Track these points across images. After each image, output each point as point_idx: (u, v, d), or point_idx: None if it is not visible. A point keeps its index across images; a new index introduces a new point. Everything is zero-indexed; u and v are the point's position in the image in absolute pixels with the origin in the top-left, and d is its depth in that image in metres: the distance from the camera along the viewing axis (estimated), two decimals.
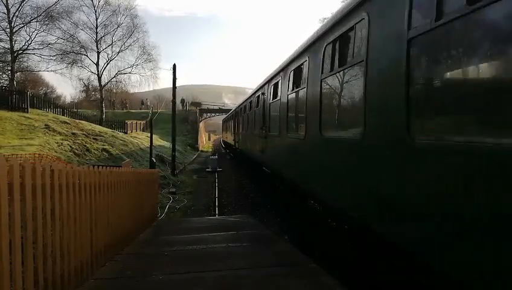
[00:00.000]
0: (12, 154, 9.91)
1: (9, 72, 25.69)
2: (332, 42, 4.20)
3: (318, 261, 4.15)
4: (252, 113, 11.60)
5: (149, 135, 18.70)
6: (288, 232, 7.73)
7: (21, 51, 26.79)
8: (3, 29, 24.96)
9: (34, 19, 26.56)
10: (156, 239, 5.87)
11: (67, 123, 19.19)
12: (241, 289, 3.37)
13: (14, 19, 25.26)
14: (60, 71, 30.32)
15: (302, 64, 5.55)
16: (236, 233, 6.00)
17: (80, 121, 22.98)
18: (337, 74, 4.12)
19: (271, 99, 8.20)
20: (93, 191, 3.93)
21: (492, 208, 1.86)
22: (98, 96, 35.71)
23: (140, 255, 4.69)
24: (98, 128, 22.27)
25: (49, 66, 29.94)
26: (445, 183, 2.19)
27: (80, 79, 35.06)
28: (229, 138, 26.62)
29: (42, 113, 20.60)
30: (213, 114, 52.48)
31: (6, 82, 25.73)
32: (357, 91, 3.58)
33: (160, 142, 29.16)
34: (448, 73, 2.46)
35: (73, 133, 17.37)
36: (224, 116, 39.61)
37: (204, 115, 51.28)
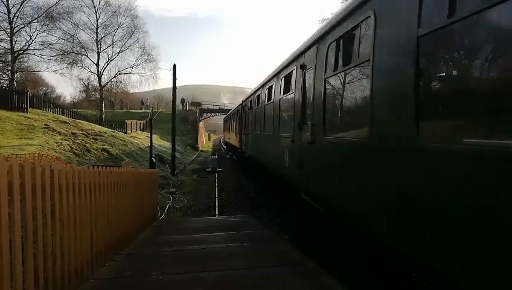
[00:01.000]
0: (12, 154, 9.91)
1: (10, 72, 25.71)
2: None
3: (318, 261, 4.15)
4: (273, 105, 7.88)
5: (149, 134, 18.70)
6: (288, 232, 7.73)
7: (21, 51, 26.82)
8: (3, 30, 25.00)
9: (35, 19, 26.61)
10: (156, 239, 5.87)
11: (67, 123, 19.18)
12: (241, 289, 3.37)
13: (14, 20, 25.29)
14: (60, 71, 30.39)
15: None
16: (236, 233, 6.00)
17: (80, 120, 22.98)
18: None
19: (331, 71, 4.41)
20: (93, 191, 3.93)
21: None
22: (98, 96, 35.72)
23: (140, 255, 4.69)
24: (97, 128, 22.26)
25: (49, 66, 29.99)
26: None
27: (80, 79, 35.17)
28: (233, 139, 22.76)
29: (42, 113, 20.59)
30: (213, 114, 52.47)
31: (6, 82, 25.73)
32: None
33: (160, 142, 29.16)
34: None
35: (73, 133, 17.36)
36: (224, 116, 39.37)
37: (204, 114, 51.27)
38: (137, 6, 35.79)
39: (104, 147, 17.76)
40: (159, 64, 39.16)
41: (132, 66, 34.79)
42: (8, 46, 25.48)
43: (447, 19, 2.26)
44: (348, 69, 3.92)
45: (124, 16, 33.63)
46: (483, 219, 1.91)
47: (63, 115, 23.48)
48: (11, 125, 15.86)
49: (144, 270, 3.93)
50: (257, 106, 10.83)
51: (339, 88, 4.33)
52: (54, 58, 28.91)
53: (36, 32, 27.04)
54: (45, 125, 16.98)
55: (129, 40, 34.12)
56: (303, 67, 5.58)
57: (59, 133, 16.58)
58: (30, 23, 26.41)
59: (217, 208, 11.59)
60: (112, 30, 33.30)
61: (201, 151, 40.02)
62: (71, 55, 30.50)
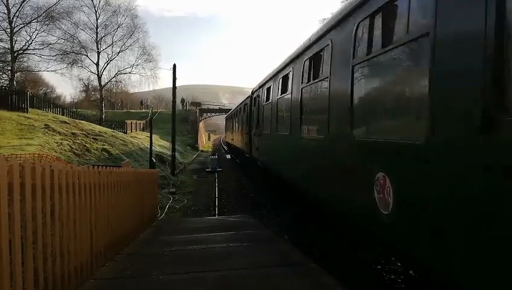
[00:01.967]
0: (12, 154, 9.90)
1: (9, 72, 25.72)
2: None
3: (318, 261, 4.15)
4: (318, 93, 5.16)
5: (149, 134, 18.70)
6: (288, 232, 7.72)
7: (21, 51, 26.85)
8: (3, 30, 25.02)
9: (35, 19, 26.65)
10: (156, 239, 5.87)
11: (67, 123, 19.18)
12: (241, 289, 3.37)
13: (14, 19, 25.33)
14: (60, 71, 30.44)
15: None
16: (237, 233, 6.00)
17: (80, 121, 22.98)
18: None
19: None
20: (93, 191, 3.93)
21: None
22: (98, 96, 35.74)
23: (140, 255, 4.69)
24: (97, 128, 22.26)
25: (49, 66, 30.04)
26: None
27: (80, 79, 35.23)
28: (237, 140, 18.95)
29: (42, 113, 20.59)
30: (213, 114, 52.47)
31: (6, 82, 25.74)
32: None
33: (160, 142, 29.16)
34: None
35: (73, 133, 17.36)
36: (224, 116, 39.10)
37: (204, 114, 51.28)
38: (137, 6, 35.90)
39: (104, 147, 17.76)
40: (159, 64, 39.24)
41: (132, 66, 34.89)
42: (8, 46, 25.51)
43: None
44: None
45: (123, 15, 33.71)
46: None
47: (63, 115, 23.50)
48: (11, 125, 15.86)
49: (143, 270, 3.92)
50: (281, 93, 7.25)
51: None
52: (54, 58, 28.98)
53: (36, 32, 27.12)
54: (45, 125, 16.98)
55: (129, 40, 34.22)
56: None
57: (59, 133, 16.58)
58: (30, 23, 26.46)
59: (217, 208, 11.60)
60: (112, 30, 33.38)
61: (201, 151, 40.03)
62: (71, 55, 30.57)
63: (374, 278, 3.65)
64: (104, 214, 4.31)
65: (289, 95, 6.48)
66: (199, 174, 20.73)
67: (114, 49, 33.66)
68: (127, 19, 33.92)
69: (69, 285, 3.21)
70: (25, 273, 2.54)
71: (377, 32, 3.23)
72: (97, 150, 16.86)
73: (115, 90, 39.62)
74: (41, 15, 26.89)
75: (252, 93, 12.26)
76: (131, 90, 44.96)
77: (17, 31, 25.81)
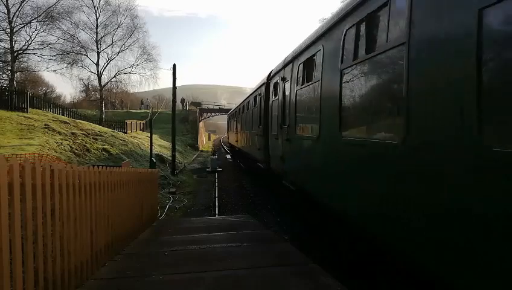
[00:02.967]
0: (12, 154, 9.91)
1: (9, 72, 25.71)
2: None
3: (318, 261, 4.15)
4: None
5: (149, 134, 18.70)
6: (288, 232, 7.73)
7: (21, 51, 26.83)
8: (3, 30, 25.00)
9: (34, 19, 26.63)
10: (156, 239, 5.88)
11: (67, 123, 19.19)
12: (241, 289, 3.37)
13: (14, 19, 25.31)
14: (60, 71, 30.42)
15: None
16: (236, 233, 6.00)
17: (80, 120, 22.98)
18: None
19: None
20: (93, 191, 3.93)
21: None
22: (98, 96, 35.74)
23: (140, 255, 4.69)
24: (98, 128, 22.27)
25: (49, 66, 30.05)
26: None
27: (80, 79, 35.16)
28: (244, 144, 14.95)
29: (42, 113, 20.59)
30: (213, 114, 52.46)
31: (6, 82, 25.74)
32: None
33: (160, 142, 29.16)
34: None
35: (73, 133, 17.36)
36: (225, 115, 38.85)
37: (204, 114, 51.28)
38: (137, 6, 35.88)
39: (104, 147, 17.77)
40: (159, 64, 39.28)
41: (132, 66, 34.84)
42: (7, 46, 25.50)
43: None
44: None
45: (123, 15, 33.68)
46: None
47: (63, 115, 23.50)
48: (11, 125, 15.86)
49: (144, 270, 3.93)
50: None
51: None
52: (54, 58, 28.95)
53: (36, 32, 27.09)
54: (45, 125, 16.98)
55: (129, 40, 34.17)
56: None
57: (59, 133, 16.58)
58: (30, 22, 26.43)
59: (217, 208, 11.60)
60: (112, 30, 33.34)
61: (202, 151, 40.02)
62: (71, 55, 30.53)
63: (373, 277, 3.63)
64: (104, 214, 4.31)
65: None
66: (199, 174, 20.73)
67: (114, 49, 33.67)
68: (127, 19, 33.92)
69: (69, 285, 3.22)
70: (25, 273, 2.54)
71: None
72: (97, 150, 16.86)
73: (114, 90, 39.58)
74: (41, 15, 26.88)
75: (270, 77, 8.47)
76: (131, 90, 44.97)
77: (17, 31, 25.80)
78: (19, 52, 26.62)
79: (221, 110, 51.21)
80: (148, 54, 35.70)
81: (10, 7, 25.04)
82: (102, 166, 4.45)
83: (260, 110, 10.04)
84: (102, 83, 33.82)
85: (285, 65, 7.15)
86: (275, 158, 8.01)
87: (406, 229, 2.73)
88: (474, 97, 1.98)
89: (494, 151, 1.87)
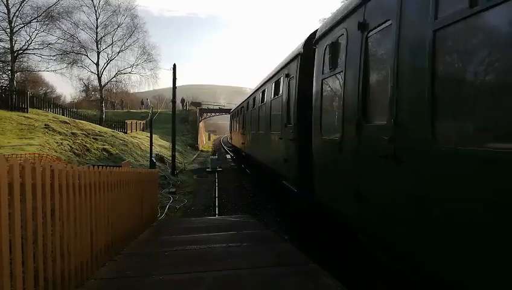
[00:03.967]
0: (12, 154, 9.91)
1: (9, 72, 25.73)
2: None
3: (318, 261, 4.15)
4: None
5: (149, 134, 18.69)
6: (288, 232, 7.73)
7: (21, 51, 26.84)
8: (3, 29, 25.02)
9: (34, 19, 26.64)
10: (156, 239, 5.88)
11: (67, 123, 19.19)
12: (241, 289, 3.37)
13: (14, 19, 25.32)
14: (60, 71, 30.44)
15: None
16: (237, 233, 6.00)
17: (80, 120, 22.99)
18: None
19: None
20: (93, 191, 3.93)
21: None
22: (98, 96, 35.76)
23: (140, 255, 4.69)
24: (98, 128, 22.27)
25: (49, 66, 30.12)
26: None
27: (80, 79, 35.19)
28: (256, 149, 11.66)
29: (42, 113, 20.60)
30: (213, 114, 52.48)
31: (6, 82, 25.75)
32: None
33: (160, 142, 29.16)
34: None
35: (73, 133, 17.37)
36: (225, 116, 38.51)
37: (204, 114, 51.30)
38: (137, 6, 35.87)
39: (104, 147, 17.77)
40: (159, 64, 39.22)
41: (132, 66, 34.87)
42: (7, 45, 25.51)
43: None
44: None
45: (123, 15, 33.69)
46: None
47: (63, 115, 23.50)
48: (11, 125, 15.86)
49: (144, 270, 3.93)
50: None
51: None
52: (54, 58, 28.97)
53: (36, 31, 27.11)
54: (45, 125, 16.99)
55: (129, 40, 34.19)
56: None
57: (59, 133, 16.59)
58: (30, 22, 26.45)
59: (217, 208, 11.59)
60: (112, 30, 33.36)
61: (202, 151, 40.03)
62: (71, 54, 30.56)
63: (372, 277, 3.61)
64: (104, 214, 4.31)
65: None
66: (199, 174, 20.73)
67: (114, 49, 33.69)
68: (126, 19, 33.94)
69: (69, 285, 3.22)
70: (25, 273, 2.54)
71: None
72: (97, 150, 16.86)
73: (115, 90, 39.60)
74: (41, 15, 26.89)
75: (317, 41, 5.05)
76: (131, 90, 44.98)
77: (17, 31, 25.82)
78: (19, 52, 26.63)
79: (221, 110, 51.22)
80: (148, 54, 35.75)
81: (10, 7, 25.07)
82: (102, 166, 4.45)
83: (288, 100, 6.71)
84: (102, 83, 33.84)
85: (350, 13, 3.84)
86: (332, 185, 4.44)
87: None
88: None
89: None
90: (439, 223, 2.28)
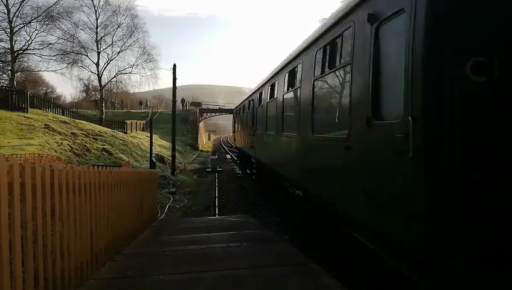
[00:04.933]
0: (12, 154, 9.91)
1: (10, 72, 25.75)
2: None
3: (318, 261, 4.15)
4: None
5: (149, 134, 18.69)
6: (288, 232, 7.73)
7: (21, 51, 26.87)
8: (3, 29, 25.03)
9: (34, 19, 26.67)
10: (156, 239, 5.87)
11: (67, 123, 19.20)
12: (241, 289, 3.37)
13: (14, 19, 25.34)
14: (60, 71, 30.49)
15: None
16: (237, 233, 6.00)
17: (80, 120, 23.00)
18: None
19: None
20: (93, 191, 3.93)
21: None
22: (98, 96, 35.80)
23: (141, 255, 4.69)
24: (98, 128, 22.28)
25: (49, 66, 30.15)
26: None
27: (80, 79, 35.27)
28: (276, 157, 8.11)
29: (42, 113, 20.60)
30: (213, 114, 52.49)
31: (6, 82, 25.76)
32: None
33: (160, 142, 29.16)
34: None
35: (73, 133, 17.37)
36: (225, 116, 38.31)
37: (204, 114, 51.31)
38: (137, 6, 35.91)
39: (104, 147, 17.77)
40: (159, 64, 39.26)
41: (132, 66, 34.92)
42: (8, 46, 25.54)
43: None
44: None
45: (123, 15, 33.76)
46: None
47: (63, 115, 23.51)
48: (11, 125, 15.87)
49: (144, 270, 3.92)
50: None
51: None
52: (54, 58, 29.02)
53: (36, 31, 27.14)
54: (45, 125, 16.99)
55: (129, 40, 34.26)
56: None
57: (59, 133, 16.59)
58: (30, 22, 26.47)
59: (217, 208, 11.59)
60: (112, 30, 33.43)
61: (202, 151, 40.04)
62: (71, 55, 30.61)
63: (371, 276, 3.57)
64: (104, 214, 4.31)
65: None
66: (199, 174, 20.72)
67: (114, 49, 33.75)
68: (126, 19, 34.00)
69: (69, 285, 3.22)
70: (25, 273, 2.54)
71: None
72: (97, 150, 16.86)
73: (115, 91, 39.66)
74: (41, 15, 26.91)
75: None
76: (131, 90, 45.10)
77: (17, 31, 25.83)
78: (19, 52, 26.65)
79: (221, 110, 51.22)
80: (148, 54, 35.81)
81: (10, 7, 25.08)
82: (102, 166, 4.45)
83: (380, 69, 3.33)
84: (103, 83, 33.88)
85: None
86: None
87: None
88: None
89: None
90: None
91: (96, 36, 32.52)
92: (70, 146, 15.38)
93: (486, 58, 2.41)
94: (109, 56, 33.64)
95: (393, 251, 3.19)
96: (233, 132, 21.87)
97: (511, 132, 2.42)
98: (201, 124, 49.10)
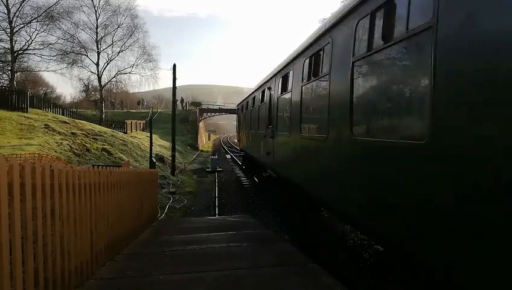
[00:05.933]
0: (12, 154, 9.91)
1: (10, 72, 25.74)
2: None
3: (318, 261, 4.15)
4: None
5: (149, 134, 18.68)
6: (288, 232, 7.72)
7: (21, 51, 26.87)
8: (3, 30, 25.03)
9: (34, 19, 26.68)
10: (156, 239, 5.87)
11: (67, 123, 19.19)
12: (241, 289, 3.37)
13: (14, 19, 25.34)
14: (60, 71, 30.51)
15: None
16: (237, 233, 6.00)
17: (80, 120, 22.99)
18: None
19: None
20: (93, 191, 3.93)
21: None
22: (98, 96, 35.81)
23: (140, 255, 4.69)
24: (97, 128, 22.27)
25: (49, 66, 30.19)
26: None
27: (80, 79, 35.36)
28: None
29: (42, 113, 20.59)
30: (213, 114, 52.48)
31: (6, 82, 25.75)
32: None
33: (160, 142, 29.15)
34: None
35: (72, 133, 17.36)
36: (225, 115, 38.15)
37: (204, 114, 51.30)
38: (137, 6, 36.03)
39: (104, 147, 17.76)
40: (159, 64, 39.31)
41: (132, 66, 34.96)
42: (8, 46, 25.53)
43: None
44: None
45: (123, 15, 33.79)
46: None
47: (63, 115, 23.50)
48: (11, 125, 15.86)
49: (143, 270, 3.92)
50: None
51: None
52: (54, 58, 29.04)
53: (36, 32, 27.16)
54: (45, 125, 16.99)
55: (129, 40, 34.31)
56: None
57: (59, 133, 16.58)
58: (30, 22, 26.47)
59: (217, 208, 11.59)
60: (112, 30, 33.46)
61: (201, 151, 40.03)
62: (71, 55, 30.64)
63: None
64: (104, 214, 4.31)
65: None
66: (199, 174, 20.72)
67: (114, 49, 33.80)
68: (127, 19, 34.05)
69: (69, 285, 3.22)
70: (25, 273, 2.54)
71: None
72: (97, 149, 16.85)
73: (115, 90, 39.69)
74: (41, 15, 26.92)
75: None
76: (131, 91, 45.20)
77: (17, 31, 25.83)
78: (19, 52, 26.65)
79: (221, 110, 51.20)
80: (148, 54, 35.86)
81: (10, 7, 25.08)
82: (102, 166, 4.45)
83: None
84: (102, 83, 33.90)
85: None
86: None
87: None
88: None
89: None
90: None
91: (96, 36, 32.56)
92: (70, 146, 15.37)
93: None
94: (109, 56, 33.73)
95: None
96: (238, 131, 18.26)
97: None
98: (201, 124, 49.08)
